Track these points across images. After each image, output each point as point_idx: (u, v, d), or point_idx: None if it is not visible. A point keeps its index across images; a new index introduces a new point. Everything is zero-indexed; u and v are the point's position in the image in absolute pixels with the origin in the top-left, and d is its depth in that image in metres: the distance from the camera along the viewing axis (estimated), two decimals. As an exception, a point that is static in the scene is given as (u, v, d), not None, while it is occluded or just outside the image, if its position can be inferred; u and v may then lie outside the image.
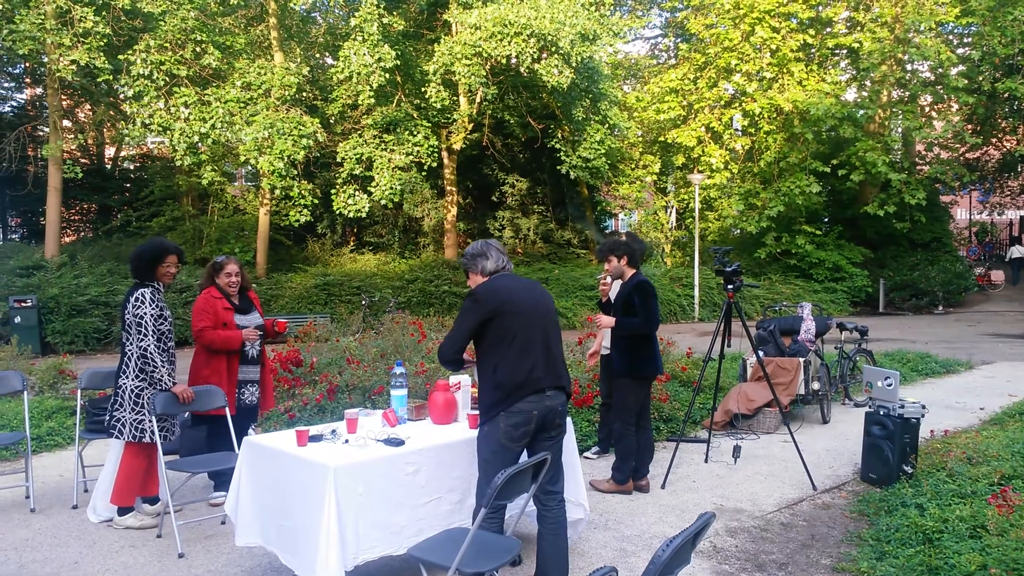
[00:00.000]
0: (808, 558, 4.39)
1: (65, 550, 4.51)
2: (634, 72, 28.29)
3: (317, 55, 22.00)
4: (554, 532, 3.78)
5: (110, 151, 26.10)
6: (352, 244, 24.11)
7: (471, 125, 20.67)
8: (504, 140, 23.87)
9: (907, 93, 22.52)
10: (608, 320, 5.42)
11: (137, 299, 4.72)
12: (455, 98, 19.42)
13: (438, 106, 17.88)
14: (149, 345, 4.67)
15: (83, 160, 24.14)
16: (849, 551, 4.46)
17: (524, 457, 3.78)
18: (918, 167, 23.94)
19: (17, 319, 13.51)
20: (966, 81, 20.68)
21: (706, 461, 6.38)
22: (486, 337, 3.67)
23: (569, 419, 4.54)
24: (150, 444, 4.74)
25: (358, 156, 17.92)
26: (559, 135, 20.70)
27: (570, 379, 3.93)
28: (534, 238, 23.89)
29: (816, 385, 7.83)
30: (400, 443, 3.78)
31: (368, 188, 18.06)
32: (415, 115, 18.98)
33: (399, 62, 17.46)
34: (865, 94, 22.59)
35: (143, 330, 4.68)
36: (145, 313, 4.69)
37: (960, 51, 22.42)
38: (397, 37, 18.37)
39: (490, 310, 3.64)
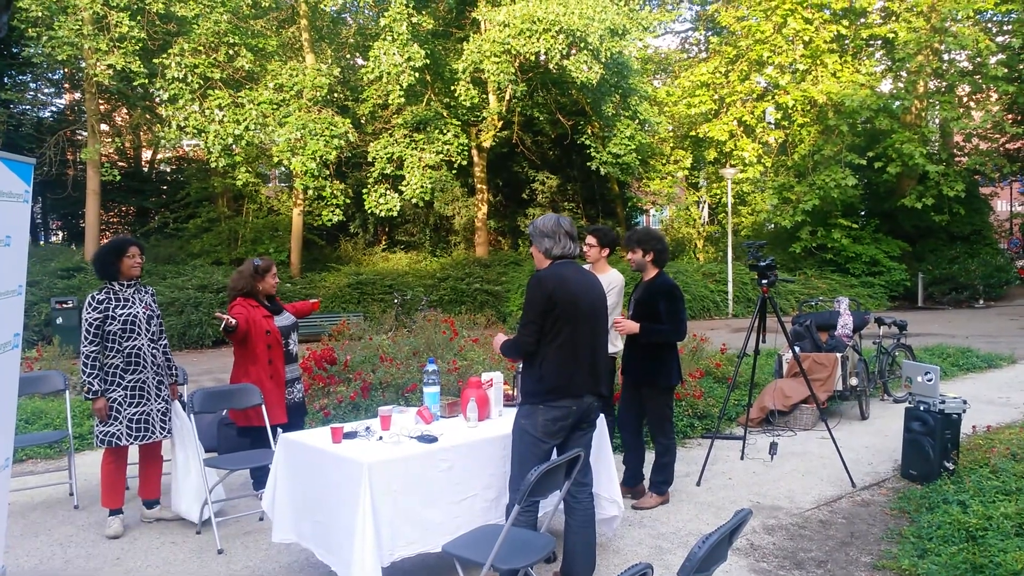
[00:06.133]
0: (848, 556, 4.33)
1: (108, 546, 4.60)
2: (664, 66, 28.08)
3: (348, 56, 22.16)
4: (583, 525, 3.76)
5: (147, 154, 26.54)
6: (384, 243, 24.27)
7: (500, 123, 20.68)
8: (534, 137, 23.84)
9: (944, 83, 22.07)
10: (631, 325, 5.01)
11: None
12: (484, 96, 19.45)
13: (468, 104, 17.93)
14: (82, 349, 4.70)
15: (121, 163, 24.56)
16: (890, 549, 4.38)
17: (554, 452, 3.78)
18: (956, 158, 23.46)
19: (59, 320, 13.80)
20: (1006, 70, 20.21)
21: (742, 458, 6.31)
22: (544, 324, 3.65)
23: (602, 416, 4.53)
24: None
25: (389, 155, 18.04)
26: (589, 131, 20.62)
27: (608, 383, 3.90)
28: (565, 235, 23.81)
29: (854, 381, 7.71)
30: (433, 440, 3.79)
31: (399, 187, 18.17)
32: (445, 114, 19.04)
33: (428, 61, 17.53)
34: (901, 85, 22.18)
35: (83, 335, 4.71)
36: (83, 318, 4.72)
37: (999, 39, 21.93)
38: (426, 36, 18.45)
39: (550, 294, 3.59)
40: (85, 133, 19.55)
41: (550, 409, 3.62)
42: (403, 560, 3.56)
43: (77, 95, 23.53)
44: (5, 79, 21.84)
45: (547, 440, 3.66)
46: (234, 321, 4.91)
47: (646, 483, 5.31)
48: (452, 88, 18.11)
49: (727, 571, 4.08)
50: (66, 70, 21.29)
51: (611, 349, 5.64)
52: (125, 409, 4.72)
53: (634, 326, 4.99)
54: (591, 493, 3.87)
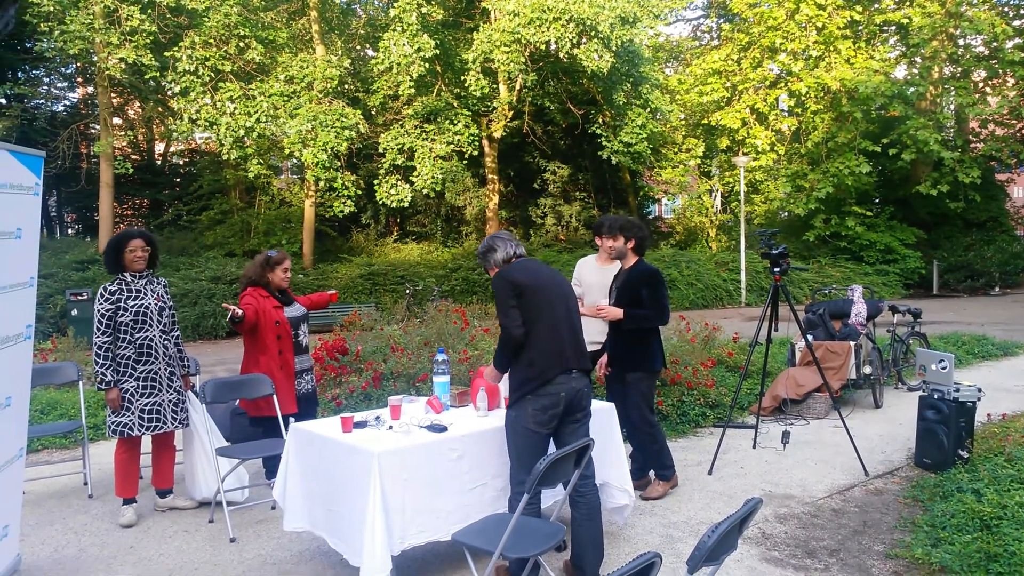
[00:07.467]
0: (860, 544, 4.30)
1: (121, 535, 4.63)
2: (676, 54, 27.93)
3: (358, 47, 22.16)
4: (588, 516, 3.76)
5: (160, 147, 26.67)
6: (395, 234, 24.29)
7: (511, 113, 20.63)
8: (545, 127, 23.77)
9: (959, 68, 21.85)
10: (615, 311, 5.00)
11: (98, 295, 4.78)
12: (495, 86, 19.40)
13: (478, 94, 17.87)
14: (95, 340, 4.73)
15: (134, 156, 24.71)
16: (903, 537, 4.35)
17: (551, 443, 3.80)
18: (972, 144, 23.23)
19: (74, 311, 13.90)
20: (1023, 54, 19.95)
21: (754, 447, 6.28)
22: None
23: (612, 404, 4.52)
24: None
25: (400, 146, 18.03)
26: (600, 120, 20.54)
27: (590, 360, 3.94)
28: (576, 225, 23.80)
29: (868, 369, 7.66)
30: (443, 429, 3.80)
31: (410, 178, 18.17)
32: (455, 104, 19.00)
33: (438, 51, 17.49)
34: (915, 71, 21.98)
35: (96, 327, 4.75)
36: (96, 309, 4.74)
37: (1016, 23, 21.66)
38: (436, 26, 18.40)
39: (515, 282, 3.68)
40: (98, 127, 19.65)
41: (538, 398, 3.63)
42: (414, 548, 3.57)
43: (90, 89, 23.65)
44: (19, 74, 21.96)
45: (539, 429, 3.66)
46: (240, 312, 4.91)
47: (652, 474, 5.28)
48: (462, 78, 18.07)
49: (738, 560, 4.07)
50: (78, 64, 21.38)
51: (596, 343, 5.59)
52: (137, 400, 4.75)
53: (618, 312, 4.98)
54: (594, 484, 3.86)
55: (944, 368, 5.59)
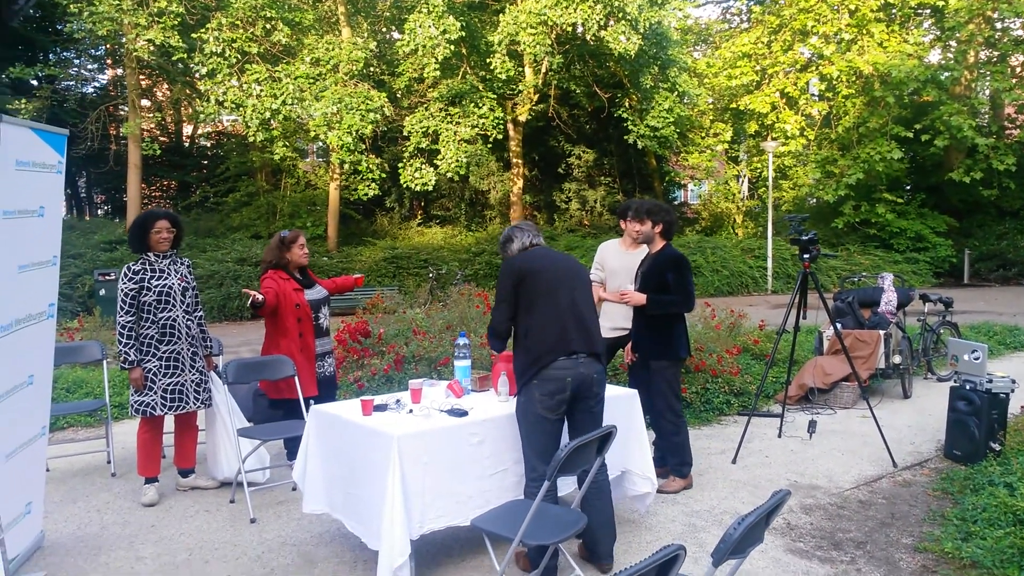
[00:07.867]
0: (888, 537, 4.21)
1: (143, 513, 4.66)
2: (705, 37, 27.54)
3: (383, 29, 22.07)
4: (596, 495, 3.73)
5: (187, 129, 26.82)
6: (419, 217, 24.28)
7: (536, 96, 20.47)
8: (570, 111, 23.58)
9: (996, 53, 21.31)
10: (639, 297, 4.89)
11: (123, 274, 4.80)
12: (520, 69, 19.25)
13: (503, 77, 17.75)
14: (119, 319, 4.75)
15: (161, 138, 24.88)
16: (932, 530, 4.26)
17: (565, 433, 3.75)
18: (1007, 131, 22.68)
19: (101, 291, 14.05)
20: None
21: (780, 436, 6.19)
22: (518, 303, 3.70)
23: (635, 391, 4.45)
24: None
25: (424, 129, 17.98)
26: (626, 104, 20.32)
27: (604, 346, 3.88)
28: (601, 210, 23.62)
29: (897, 359, 7.51)
30: (463, 414, 3.76)
31: (434, 161, 18.12)
32: (480, 87, 18.89)
33: (464, 33, 17.37)
34: (950, 55, 21.46)
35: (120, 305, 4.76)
36: (119, 288, 4.76)
37: (1058, 6, 21.05)
38: (462, 8, 18.27)
39: (518, 269, 3.70)
40: (127, 108, 19.79)
41: (543, 383, 3.59)
42: (433, 533, 3.55)
43: (119, 71, 23.80)
44: (49, 55, 22.16)
45: (549, 415, 3.61)
46: (261, 297, 4.91)
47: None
48: (488, 61, 17.94)
49: (763, 551, 4.00)
50: (107, 46, 21.53)
51: (621, 328, 5.52)
52: (160, 379, 4.76)
53: (641, 298, 4.87)
54: (604, 466, 3.80)
55: (977, 358, 5.47)
